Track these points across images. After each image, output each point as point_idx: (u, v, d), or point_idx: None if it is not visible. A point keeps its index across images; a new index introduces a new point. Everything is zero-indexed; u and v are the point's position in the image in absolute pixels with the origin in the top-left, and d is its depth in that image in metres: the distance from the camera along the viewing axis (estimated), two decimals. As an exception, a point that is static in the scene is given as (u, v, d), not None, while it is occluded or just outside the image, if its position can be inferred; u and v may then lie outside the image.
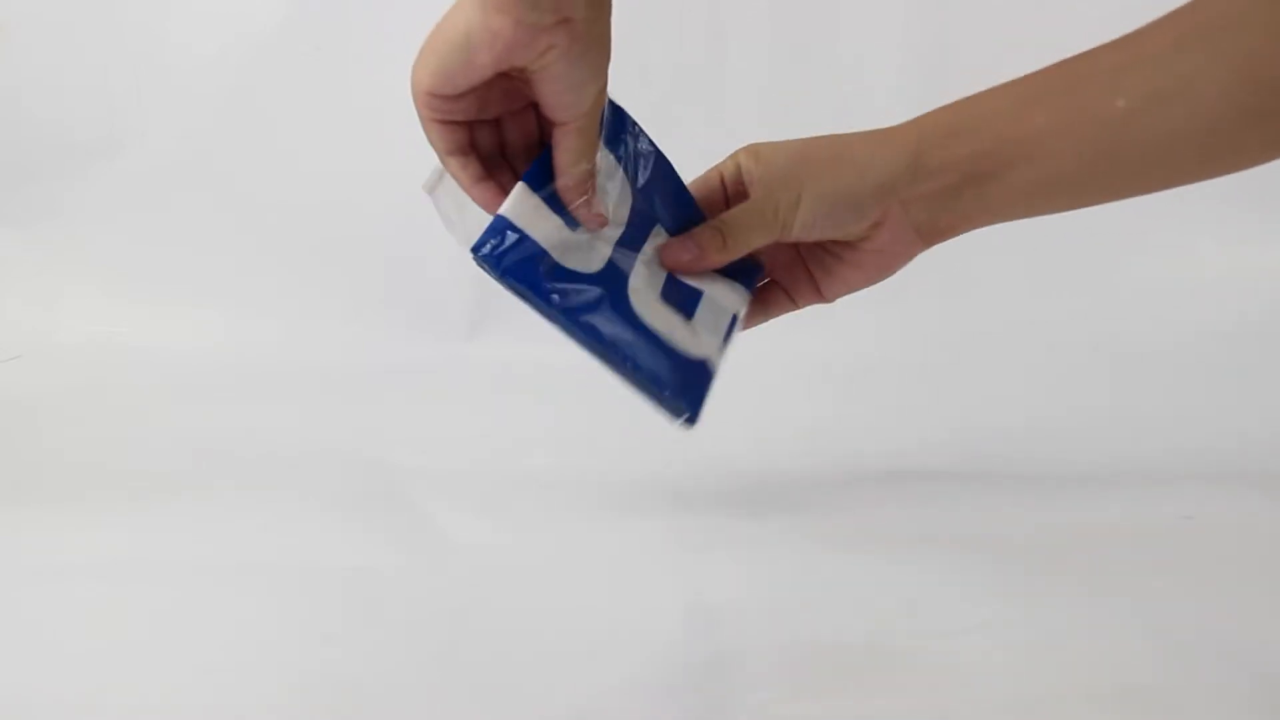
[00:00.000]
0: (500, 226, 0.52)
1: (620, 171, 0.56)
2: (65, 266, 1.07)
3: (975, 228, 0.56)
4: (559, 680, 0.44)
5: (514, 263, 0.52)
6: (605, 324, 0.53)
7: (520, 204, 0.52)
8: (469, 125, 0.52)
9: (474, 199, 0.54)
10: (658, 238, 0.57)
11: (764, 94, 1.06)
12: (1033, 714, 0.41)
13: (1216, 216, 1.01)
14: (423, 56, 0.50)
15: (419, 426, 0.81)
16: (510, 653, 0.46)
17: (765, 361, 0.86)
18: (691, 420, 0.56)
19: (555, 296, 0.53)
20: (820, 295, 0.60)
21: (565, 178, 0.53)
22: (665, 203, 0.58)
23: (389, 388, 0.91)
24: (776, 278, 0.61)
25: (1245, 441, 0.72)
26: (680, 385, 0.55)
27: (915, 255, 0.58)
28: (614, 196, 0.55)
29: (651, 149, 0.58)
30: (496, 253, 0.51)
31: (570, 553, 0.57)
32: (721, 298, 0.59)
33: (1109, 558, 0.55)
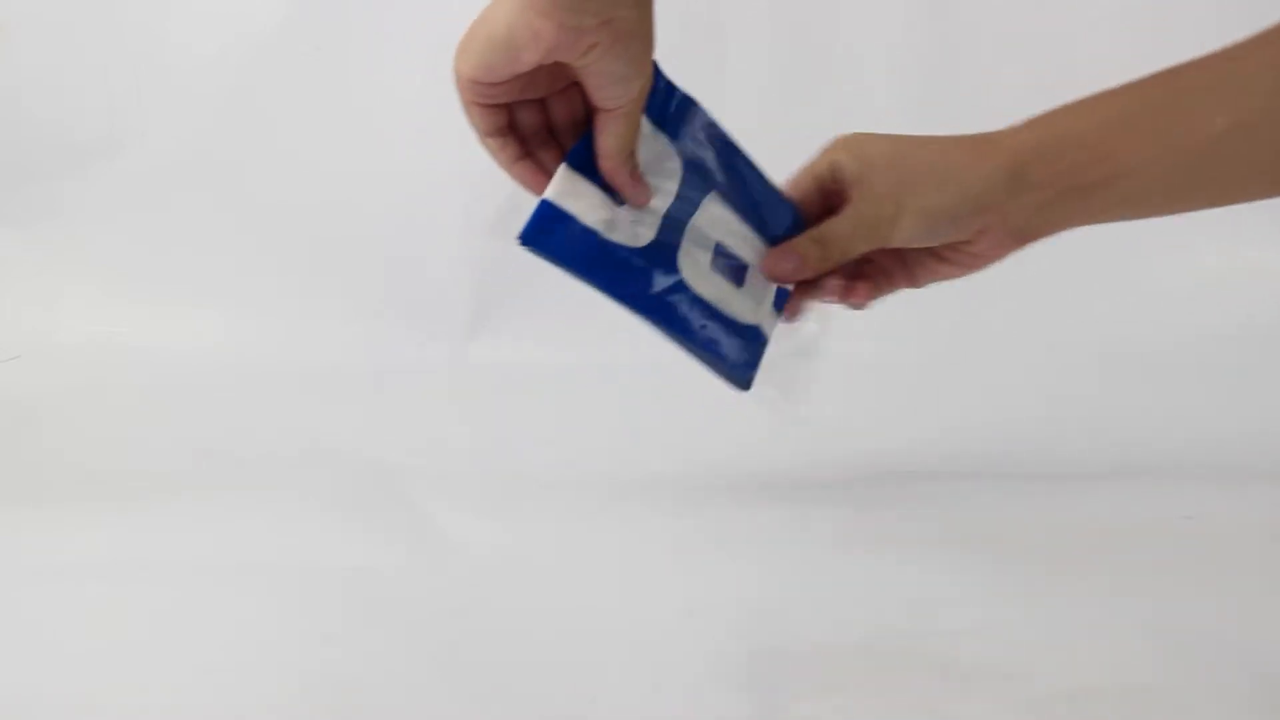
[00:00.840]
0: (545, 212, 0.52)
1: (665, 143, 0.56)
2: (65, 266, 1.07)
3: (1066, 229, 0.57)
4: (559, 680, 0.44)
5: (563, 245, 0.52)
6: (659, 297, 0.55)
7: (564, 185, 0.53)
8: (509, 106, 0.53)
9: (513, 178, 0.54)
10: (709, 207, 0.58)
11: (764, 94, 1.06)
12: (1033, 714, 0.41)
13: (1216, 216, 1.01)
14: (465, 46, 0.50)
15: (419, 426, 0.81)
16: (510, 653, 0.46)
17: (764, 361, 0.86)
18: (747, 386, 0.58)
19: (607, 275, 0.53)
20: (913, 282, 0.61)
21: (609, 161, 0.53)
22: (720, 171, 0.59)
23: (389, 388, 0.91)
24: (868, 266, 0.61)
25: (1245, 441, 0.72)
26: (736, 352, 0.57)
27: (1010, 254, 0.59)
28: (660, 169, 0.56)
29: (707, 119, 0.59)
30: (545, 238, 0.52)
31: (570, 553, 0.57)
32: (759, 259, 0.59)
33: (1109, 557, 0.55)
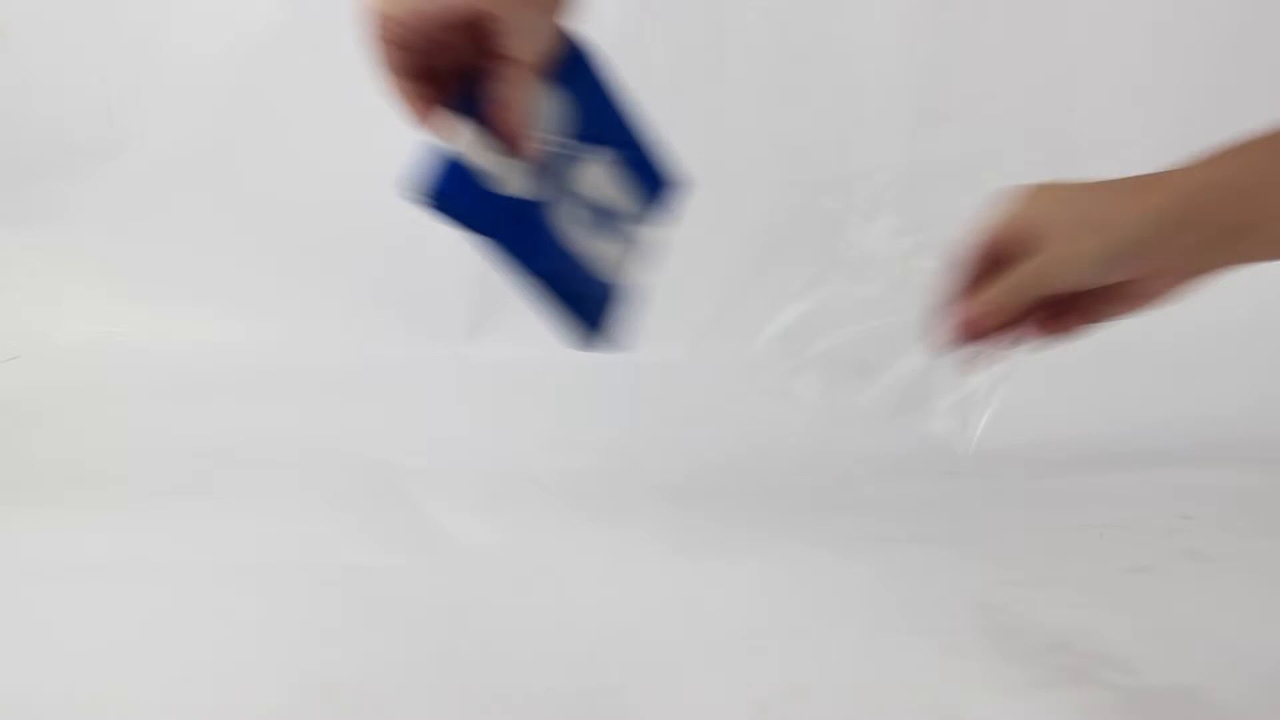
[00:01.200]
0: (437, 158, 0.52)
1: (556, 96, 0.56)
2: (65, 266, 1.07)
3: (1233, 268, 0.58)
4: (558, 680, 0.44)
5: (468, 202, 0.52)
6: (538, 248, 0.55)
7: (457, 131, 0.52)
8: (419, 48, 0.52)
9: (421, 126, 0.54)
10: (590, 158, 0.58)
11: (764, 94, 1.06)
12: (1033, 714, 0.41)
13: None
14: None
15: (419, 426, 0.81)
16: (510, 653, 0.46)
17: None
18: (611, 344, 0.58)
19: (504, 231, 0.53)
20: (1088, 319, 0.61)
21: (511, 112, 0.53)
22: (600, 121, 0.59)
23: (389, 388, 0.91)
24: (1039, 309, 0.60)
25: (1245, 441, 0.72)
26: (604, 309, 0.57)
27: (1181, 293, 0.59)
28: (545, 119, 0.55)
29: (594, 66, 0.58)
30: (454, 195, 0.52)
31: (570, 553, 0.57)
32: (638, 224, 0.60)
33: (1108, 558, 0.55)
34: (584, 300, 0.56)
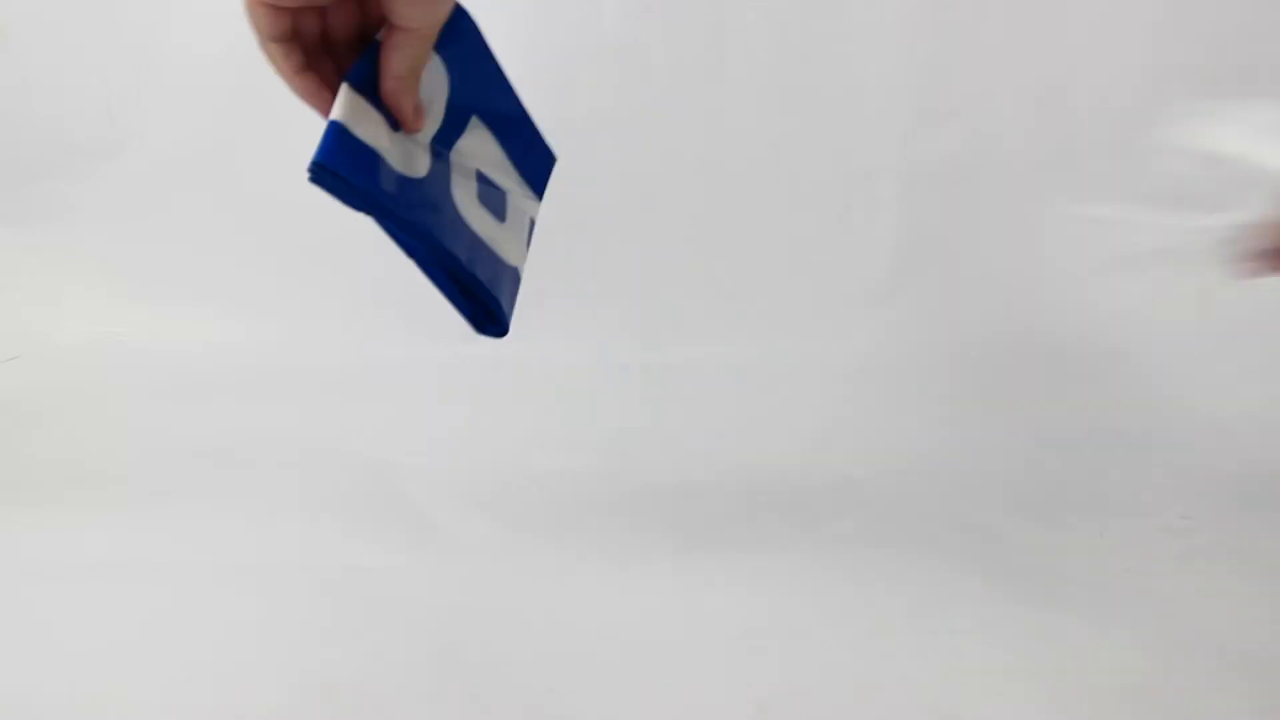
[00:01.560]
0: (338, 133, 0.48)
1: (440, 68, 0.53)
2: (65, 266, 1.07)
3: None
4: (558, 680, 0.44)
5: (357, 175, 0.48)
6: (439, 229, 0.52)
7: (350, 106, 0.49)
8: (293, 11, 0.50)
9: (295, 90, 0.51)
10: (473, 132, 0.56)
11: (764, 94, 1.06)
12: (1033, 714, 0.41)
13: (1216, 216, 1.01)
14: None
15: (419, 426, 0.81)
16: (509, 653, 0.46)
17: (766, 361, 0.86)
18: (504, 331, 0.55)
19: (396, 208, 0.50)
20: None
21: (397, 82, 0.50)
22: (481, 93, 0.56)
23: (389, 388, 0.91)
24: None
25: (1245, 441, 0.72)
26: (504, 294, 0.54)
27: None
28: (431, 94, 0.53)
29: (476, 36, 0.55)
30: (340, 165, 0.48)
31: (570, 553, 0.57)
32: (520, 200, 0.58)
33: (1108, 558, 0.55)
34: (479, 282, 0.53)
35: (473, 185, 0.54)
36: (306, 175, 0.47)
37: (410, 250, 0.52)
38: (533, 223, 0.57)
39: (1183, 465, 0.68)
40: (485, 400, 0.89)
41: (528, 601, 0.51)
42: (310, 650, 0.46)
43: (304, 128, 1.16)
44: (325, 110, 0.50)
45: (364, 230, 1.15)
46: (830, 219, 1.04)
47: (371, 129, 0.49)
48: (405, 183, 0.50)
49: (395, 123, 0.51)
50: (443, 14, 0.49)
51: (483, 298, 0.53)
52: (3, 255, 1.08)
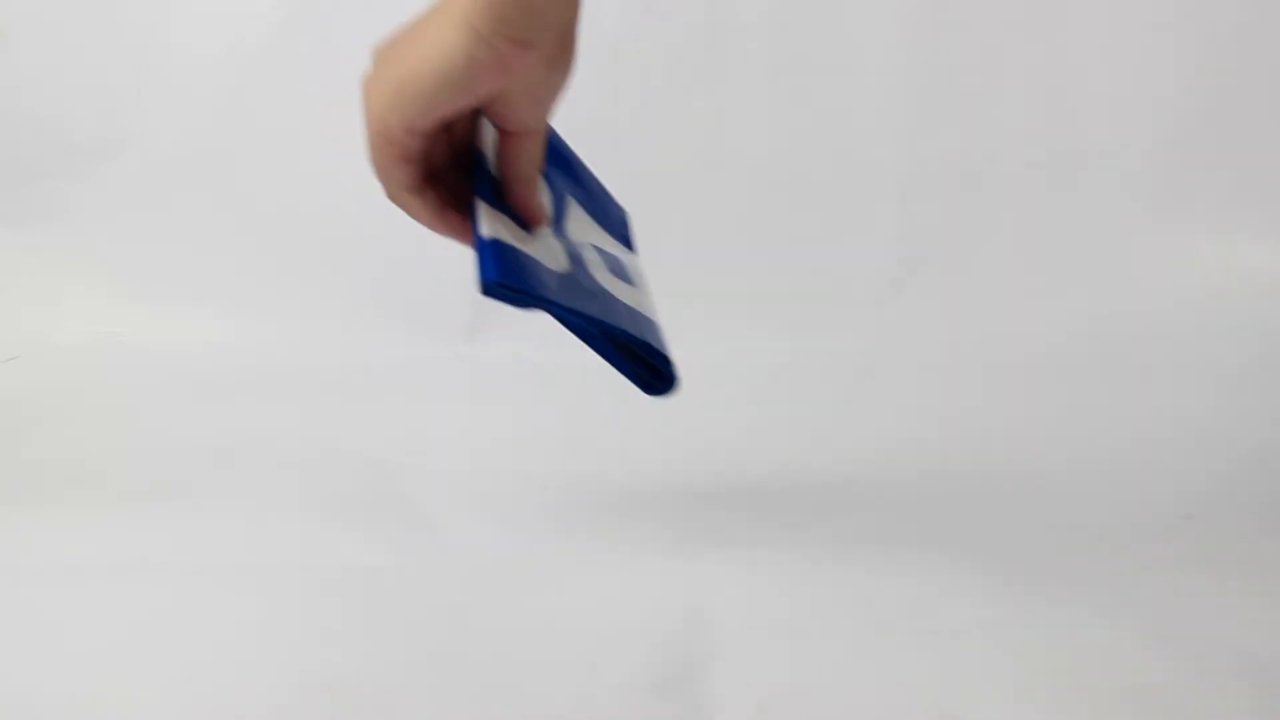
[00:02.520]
0: (495, 248, 0.48)
1: None
2: (65, 266, 1.07)
3: None
4: (558, 680, 0.44)
5: (521, 279, 0.49)
6: (603, 311, 0.52)
7: (490, 219, 0.49)
8: (424, 155, 0.49)
9: (440, 231, 0.51)
10: (572, 211, 0.56)
11: (764, 94, 1.06)
12: (1033, 714, 0.41)
13: (1216, 216, 1.01)
14: (396, 93, 0.46)
15: (419, 426, 0.81)
16: (509, 652, 0.46)
17: (766, 361, 0.86)
18: (674, 384, 0.56)
19: (562, 297, 0.50)
20: None
21: (524, 185, 0.51)
22: (562, 172, 0.57)
23: (389, 388, 0.91)
24: None
25: (1245, 441, 0.72)
26: (667, 349, 0.55)
27: None
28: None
29: (558, 137, 0.57)
30: (510, 275, 0.48)
31: (570, 553, 0.57)
32: (629, 260, 0.59)
33: (1109, 558, 0.55)
34: (650, 347, 0.54)
35: (598, 259, 0.55)
36: (479, 290, 0.48)
37: (583, 333, 0.54)
38: (645, 278, 0.59)
39: (1182, 465, 0.68)
40: (485, 400, 0.89)
41: (527, 601, 0.51)
42: (310, 650, 0.46)
43: (304, 128, 1.16)
44: (449, 231, 0.51)
45: (364, 230, 1.16)
46: (830, 219, 1.04)
47: (513, 235, 0.50)
48: (559, 277, 0.51)
49: (521, 224, 0.51)
50: (553, 107, 0.48)
51: (653, 359, 0.55)
52: (3, 255, 1.08)
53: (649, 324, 0.56)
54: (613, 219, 0.60)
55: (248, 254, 1.06)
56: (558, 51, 0.46)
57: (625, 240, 0.61)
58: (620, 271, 0.57)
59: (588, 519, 0.62)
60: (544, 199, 0.53)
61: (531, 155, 0.50)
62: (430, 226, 0.51)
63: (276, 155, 1.08)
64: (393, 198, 0.50)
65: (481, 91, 0.45)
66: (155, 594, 0.51)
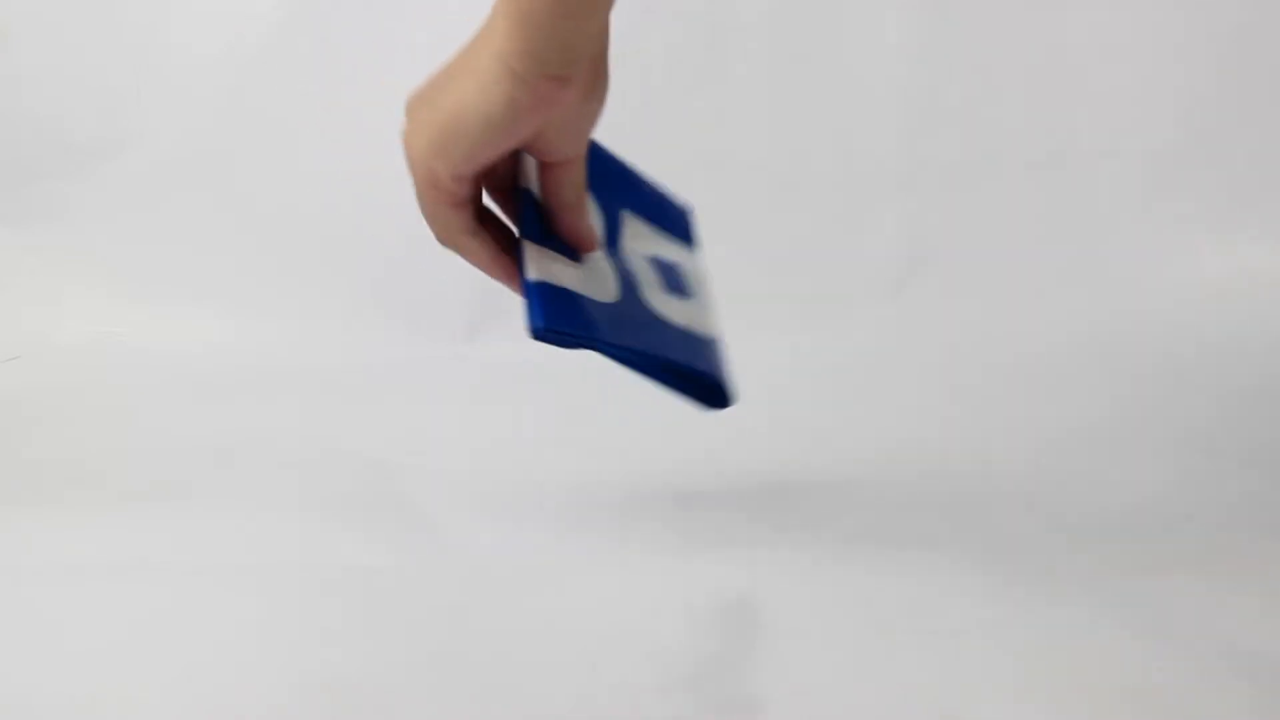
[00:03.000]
0: (543, 291, 0.48)
1: None
2: (65, 266, 1.07)
3: None
4: (559, 680, 0.44)
5: (570, 322, 0.49)
6: (652, 342, 0.52)
7: (537, 260, 0.49)
8: (474, 197, 0.50)
9: (495, 275, 0.51)
10: (627, 225, 0.56)
11: (764, 94, 1.06)
12: (1033, 714, 0.41)
13: (1216, 216, 1.01)
14: (439, 141, 0.46)
15: (419, 426, 0.81)
16: (510, 653, 0.46)
17: (766, 361, 0.86)
18: (730, 401, 0.57)
19: (610, 334, 0.51)
20: None
21: (571, 214, 0.51)
22: (611, 184, 0.57)
23: (389, 388, 0.91)
24: None
25: (1245, 441, 0.72)
26: (722, 368, 0.56)
27: None
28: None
29: (603, 148, 0.57)
30: (561, 318, 0.48)
31: (570, 553, 0.57)
32: (689, 265, 0.59)
33: (1109, 558, 0.55)
34: (701, 372, 0.54)
35: (653, 277, 0.55)
36: (529, 335, 0.48)
37: (631, 364, 0.54)
38: (704, 276, 0.59)
39: (1182, 465, 0.68)
40: (485, 400, 0.89)
41: (527, 601, 0.51)
42: (310, 650, 0.46)
43: (304, 128, 1.17)
44: (503, 275, 0.51)
45: (364, 230, 1.16)
46: (831, 219, 1.04)
47: (562, 272, 0.50)
48: (608, 310, 0.51)
49: (572, 253, 0.51)
50: (590, 133, 0.48)
51: (708, 382, 0.55)
52: (3, 255, 1.08)
53: (702, 345, 0.55)
54: (672, 218, 0.59)
55: (248, 254, 1.06)
56: (592, 81, 0.46)
57: (686, 237, 0.60)
58: (676, 284, 0.56)
59: (588, 519, 0.62)
60: (594, 220, 0.53)
61: (575, 182, 0.50)
62: (486, 270, 0.51)
63: (276, 155, 1.08)
64: (447, 243, 0.51)
65: (525, 133, 0.46)
66: (155, 594, 0.51)
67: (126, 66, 1.09)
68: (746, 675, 0.45)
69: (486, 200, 0.52)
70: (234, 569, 0.54)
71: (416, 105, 0.48)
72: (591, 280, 0.52)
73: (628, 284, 0.54)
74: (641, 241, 0.57)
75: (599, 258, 0.54)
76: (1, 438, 0.78)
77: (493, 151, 0.46)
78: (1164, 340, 0.92)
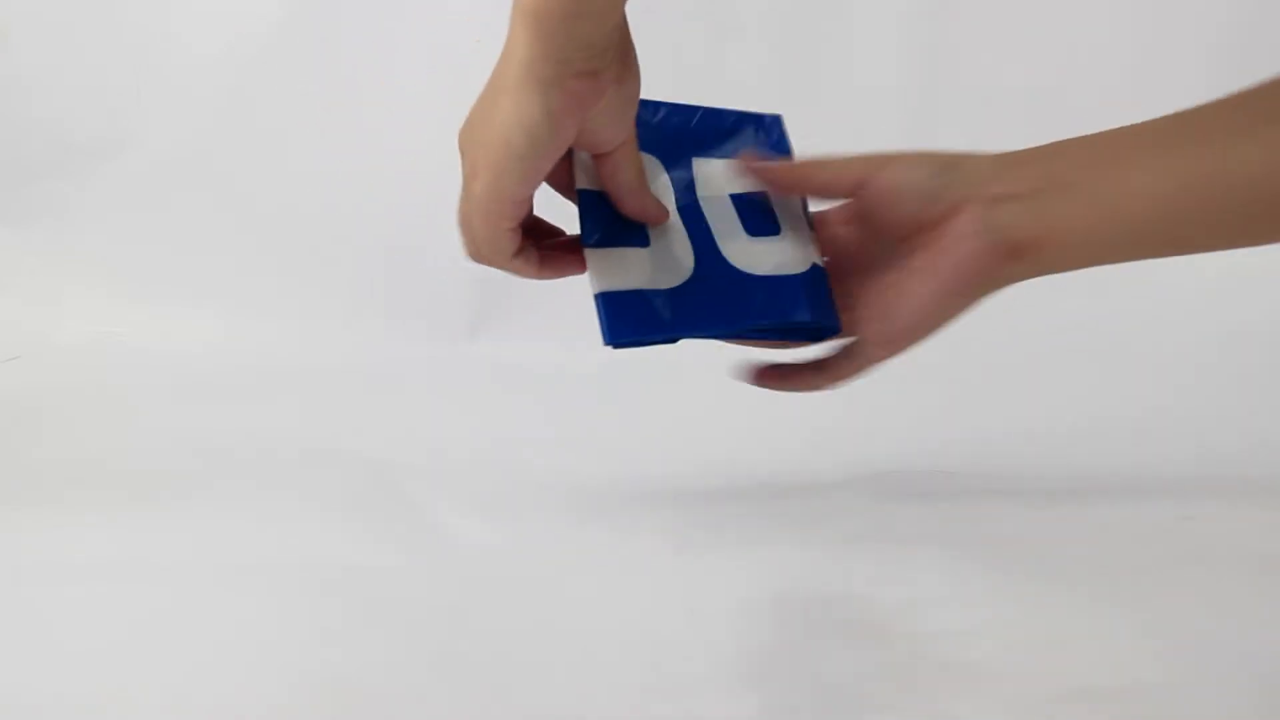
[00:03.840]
0: (609, 301, 0.49)
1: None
2: (65, 266, 1.07)
3: (1058, 255, 0.55)
4: (559, 680, 0.44)
5: (642, 328, 0.50)
6: (734, 312, 0.52)
7: (600, 268, 0.50)
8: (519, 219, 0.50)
9: (545, 278, 0.52)
10: (700, 169, 0.55)
11: (764, 94, 1.06)
12: (1033, 714, 0.41)
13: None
14: (496, 176, 0.46)
15: (419, 426, 0.81)
16: (510, 653, 0.46)
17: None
18: (837, 328, 0.55)
19: (687, 321, 0.51)
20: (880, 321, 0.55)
21: (634, 196, 0.51)
22: (674, 132, 0.56)
23: (389, 388, 0.91)
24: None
25: (1245, 441, 0.72)
26: (816, 308, 0.54)
27: (988, 273, 0.55)
28: (650, 175, 0.53)
29: (661, 105, 0.56)
30: (629, 327, 0.49)
31: (570, 552, 0.57)
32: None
33: (1108, 558, 0.55)
34: (796, 322, 0.54)
35: (733, 222, 0.54)
36: (608, 347, 0.49)
37: (720, 336, 0.54)
38: (805, 202, 0.57)
39: (1182, 465, 0.68)
40: (485, 400, 0.89)
41: (528, 602, 0.51)
42: (310, 650, 0.46)
43: (304, 128, 1.16)
44: (552, 275, 0.52)
45: (364, 230, 1.16)
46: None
47: (628, 271, 0.50)
48: (682, 294, 0.51)
49: (641, 234, 0.51)
50: (633, 115, 0.49)
51: (808, 325, 0.54)
52: (3, 255, 1.08)
53: (791, 286, 0.53)
54: (755, 135, 0.58)
55: (248, 254, 1.06)
56: (622, 65, 0.46)
57: (780, 147, 0.59)
58: (760, 221, 0.55)
59: (588, 519, 0.62)
60: (662, 188, 0.53)
61: (631, 164, 0.51)
62: (536, 278, 0.52)
63: (276, 155, 1.08)
64: (499, 265, 0.51)
65: (569, 135, 0.46)
66: (155, 594, 0.51)
67: (126, 66, 1.09)
68: (747, 675, 0.45)
69: None
70: (234, 569, 0.54)
71: (467, 145, 0.48)
72: (662, 263, 0.52)
73: (704, 246, 0.53)
74: (718, 183, 0.56)
75: (671, 227, 0.53)
76: (1, 438, 0.78)
77: (546, 164, 0.46)
78: (1164, 340, 0.92)
